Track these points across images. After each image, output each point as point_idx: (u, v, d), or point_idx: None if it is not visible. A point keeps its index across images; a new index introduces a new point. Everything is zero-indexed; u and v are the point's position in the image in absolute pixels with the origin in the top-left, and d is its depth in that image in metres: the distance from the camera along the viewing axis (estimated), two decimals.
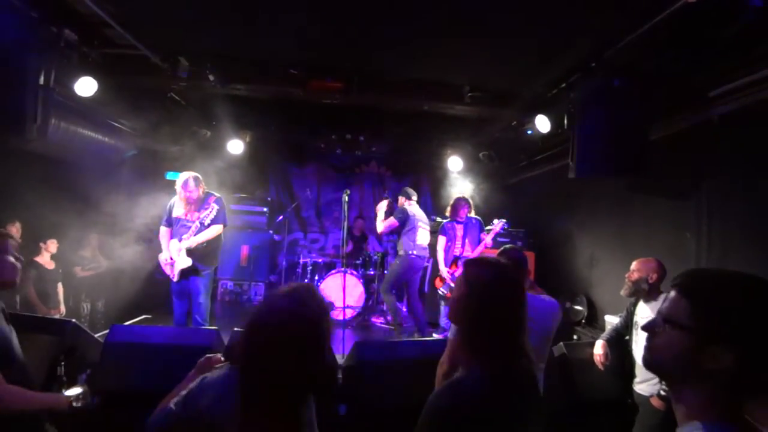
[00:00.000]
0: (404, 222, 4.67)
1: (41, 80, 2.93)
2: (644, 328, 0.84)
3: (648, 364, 0.83)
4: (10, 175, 4.09)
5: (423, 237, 4.74)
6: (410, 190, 4.96)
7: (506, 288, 1.22)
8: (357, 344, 2.81)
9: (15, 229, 4.27)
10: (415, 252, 4.64)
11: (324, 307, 1.02)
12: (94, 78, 3.47)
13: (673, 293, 0.81)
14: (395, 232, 4.91)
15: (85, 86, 3.46)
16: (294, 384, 0.94)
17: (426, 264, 4.99)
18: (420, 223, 4.74)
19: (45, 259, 4.46)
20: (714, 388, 0.73)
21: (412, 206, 4.80)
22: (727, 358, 0.70)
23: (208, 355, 1.39)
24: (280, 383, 0.93)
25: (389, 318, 5.65)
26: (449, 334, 2.04)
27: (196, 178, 3.75)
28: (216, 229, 3.80)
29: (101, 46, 3.46)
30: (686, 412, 0.76)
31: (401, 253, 4.69)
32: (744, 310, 0.72)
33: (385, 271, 6.05)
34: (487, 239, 4.53)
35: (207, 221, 3.71)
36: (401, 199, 4.89)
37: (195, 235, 3.69)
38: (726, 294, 0.75)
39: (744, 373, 0.70)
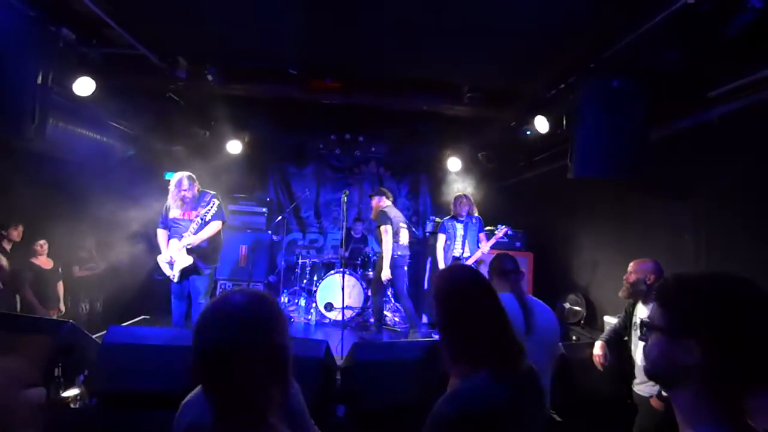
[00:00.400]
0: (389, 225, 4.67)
1: (39, 80, 2.92)
2: (640, 338, 0.90)
3: (645, 371, 0.90)
4: (7, 175, 4.07)
5: (405, 236, 4.78)
6: (386, 190, 4.95)
7: (470, 290, 1.25)
8: (355, 345, 2.81)
9: (17, 233, 4.26)
10: (399, 252, 4.67)
11: (274, 307, 0.97)
12: (93, 78, 3.47)
13: (654, 301, 0.89)
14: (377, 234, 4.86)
15: (84, 86, 3.45)
16: (247, 382, 0.90)
17: (408, 261, 4.98)
18: (401, 223, 4.78)
19: (42, 260, 4.45)
20: (696, 385, 0.77)
21: (389, 208, 4.80)
22: (696, 351, 0.76)
23: None
24: (235, 387, 0.90)
25: (400, 319, 5.65)
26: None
27: (189, 177, 3.74)
28: (216, 225, 3.79)
29: (99, 45, 3.45)
30: (682, 418, 0.80)
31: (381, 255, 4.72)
32: (705, 303, 0.78)
33: None
34: (485, 248, 4.50)
35: (208, 217, 3.71)
36: (379, 200, 4.83)
37: (196, 232, 3.68)
38: (692, 293, 0.81)
39: (714, 365, 0.74)
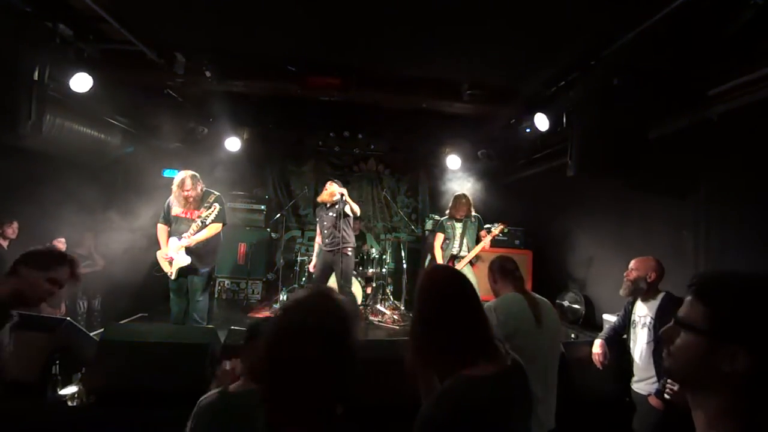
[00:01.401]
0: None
1: (36, 76, 2.90)
2: (663, 333, 0.83)
3: (667, 370, 0.82)
4: (4, 173, 4.05)
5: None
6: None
7: (451, 291, 1.23)
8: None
9: (11, 230, 4.24)
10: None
11: (347, 315, 0.97)
12: (90, 74, 3.44)
13: (689, 297, 0.80)
14: (336, 224, 4.74)
15: (81, 82, 3.42)
16: (322, 401, 0.91)
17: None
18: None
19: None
20: (732, 394, 0.71)
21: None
22: (743, 360, 0.69)
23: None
24: (308, 402, 0.90)
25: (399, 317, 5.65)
26: None
27: (193, 177, 3.72)
28: (216, 228, 3.78)
29: (97, 41, 3.42)
30: (705, 421, 0.74)
31: (353, 247, 4.85)
32: (759, 312, 0.71)
33: (382, 270, 6.04)
34: (486, 242, 4.48)
35: (209, 220, 3.69)
36: (338, 187, 4.71)
37: (195, 234, 3.67)
38: (741, 295, 0.74)
39: (761, 375, 0.69)
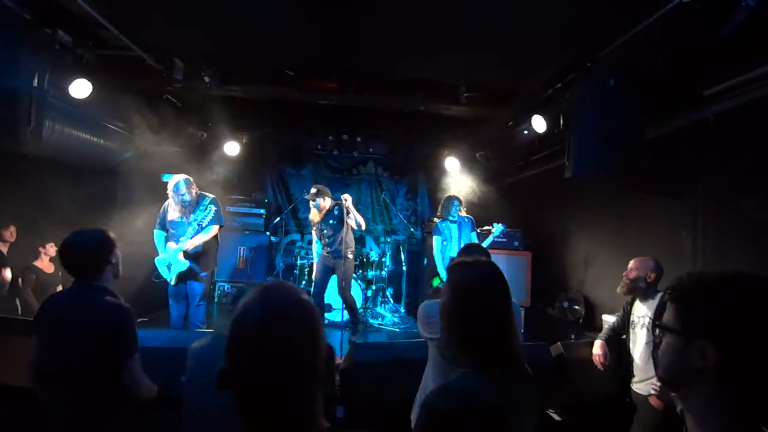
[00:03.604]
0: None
1: (35, 82, 2.91)
2: (654, 339, 0.86)
3: (658, 376, 0.85)
4: (3, 178, 4.06)
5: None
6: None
7: (490, 287, 1.22)
8: (354, 345, 2.81)
9: (9, 233, 4.24)
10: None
11: (304, 302, 0.86)
12: (89, 80, 3.46)
13: (666, 301, 0.85)
14: (337, 231, 4.65)
15: (80, 88, 3.44)
16: (305, 400, 0.81)
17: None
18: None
19: (44, 263, 4.42)
20: (712, 391, 0.73)
21: None
22: (711, 354, 0.72)
23: None
24: (289, 406, 0.79)
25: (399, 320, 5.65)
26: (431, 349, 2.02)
27: (187, 180, 3.72)
28: (213, 230, 3.79)
29: (96, 47, 3.44)
30: (694, 422, 0.76)
31: (353, 251, 4.78)
32: (722, 306, 0.74)
33: (382, 273, 6.03)
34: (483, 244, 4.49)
35: (204, 223, 3.70)
36: (326, 200, 4.60)
37: (192, 237, 3.67)
38: (705, 292, 0.77)
39: (728, 369, 0.71)
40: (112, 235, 1.82)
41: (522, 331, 2.24)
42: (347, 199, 4.42)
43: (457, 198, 4.66)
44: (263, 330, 0.78)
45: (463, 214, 4.66)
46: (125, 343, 1.66)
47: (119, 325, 1.65)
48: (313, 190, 4.60)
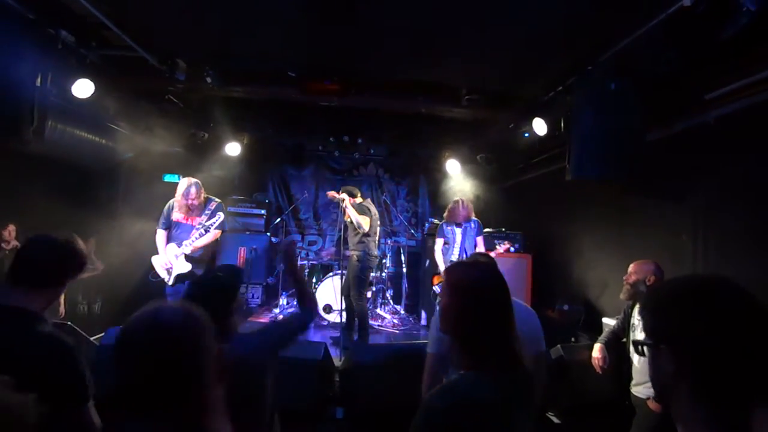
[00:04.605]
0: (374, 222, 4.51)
1: (38, 82, 2.92)
2: (636, 352, 0.87)
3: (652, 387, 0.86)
4: (5, 177, 4.07)
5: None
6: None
7: (490, 288, 1.22)
8: (353, 347, 2.81)
9: (8, 232, 4.25)
10: (376, 253, 4.59)
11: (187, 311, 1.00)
12: (92, 80, 3.47)
13: None
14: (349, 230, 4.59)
15: (83, 88, 3.45)
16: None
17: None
18: (378, 224, 4.68)
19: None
20: (687, 398, 0.73)
21: (372, 205, 4.64)
22: (668, 358, 0.74)
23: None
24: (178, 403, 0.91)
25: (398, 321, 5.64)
26: (428, 348, 2.03)
27: (197, 185, 3.73)
28: (215, 234, 3.80)
29: (99, 47, 3.46)
30: (680, 429, 0.77)
31: (373, 253, 4.53)
32: (676, 310, 0.76)
33: (382, 274, 6.03)
34: (480, 249, 4.45)
35: (211, 228, 3.71)
36: (351, 198, 4.46)
37: (196, 240, 3.68)
38: (664, 299, 0.80)
39: (687, 374, 0.71)
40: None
41: (542, 335, 2.21)
42: (344, 199, 4.41)
43: (463, 202, 4.60)
44: (147, 333, 0.95)
45: (473, 216, 4.62)
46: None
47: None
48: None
